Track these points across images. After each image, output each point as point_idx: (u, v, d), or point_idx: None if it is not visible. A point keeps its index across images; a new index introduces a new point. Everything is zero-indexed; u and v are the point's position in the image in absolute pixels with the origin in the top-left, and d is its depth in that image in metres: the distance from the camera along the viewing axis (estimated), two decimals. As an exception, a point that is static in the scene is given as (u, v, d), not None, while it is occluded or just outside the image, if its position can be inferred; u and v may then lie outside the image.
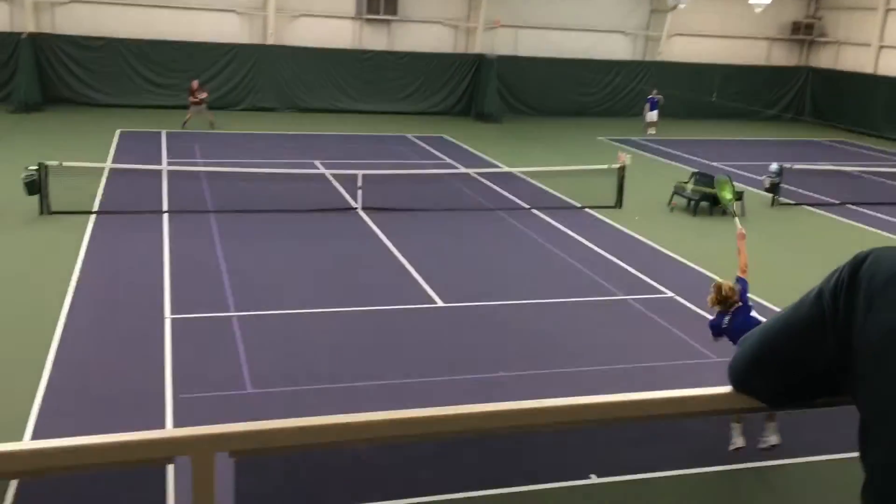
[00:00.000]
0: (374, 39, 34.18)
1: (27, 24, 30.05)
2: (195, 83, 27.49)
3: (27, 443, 1.31)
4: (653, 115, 32.53)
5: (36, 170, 16.78)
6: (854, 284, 1.51)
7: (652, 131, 32.28)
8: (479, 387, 10.29)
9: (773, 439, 8.26)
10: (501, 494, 7.57)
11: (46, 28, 30.67)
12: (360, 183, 18.72)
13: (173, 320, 11.82)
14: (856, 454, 1.50)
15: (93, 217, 16.81)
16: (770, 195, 21.57)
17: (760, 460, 8.51)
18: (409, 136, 29.28)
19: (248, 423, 1.39)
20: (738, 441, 8.20)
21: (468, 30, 35.19)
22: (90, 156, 21.72)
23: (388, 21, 33.89)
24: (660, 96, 32.72)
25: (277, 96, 32.93)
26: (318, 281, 13.90)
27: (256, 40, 32.77)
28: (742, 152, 29.82)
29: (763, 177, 22.11)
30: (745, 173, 25.48)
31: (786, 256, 17.14)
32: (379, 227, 17.28)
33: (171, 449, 1.37)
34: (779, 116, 39.23)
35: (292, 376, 10.28)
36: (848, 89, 37.16)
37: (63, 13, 30.86)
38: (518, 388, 10.26)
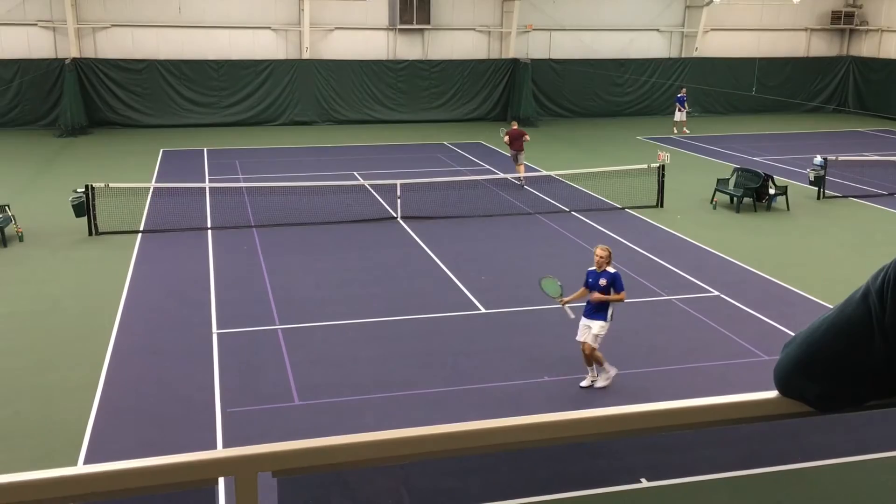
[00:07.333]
0: (409, 49, 34.34)
1: (70, 50, 30.77)
2: (514, 126, 23.22)
3: (76, 468, 1.33)
4: (682, 115, 32.22)
5: (83, 192, 17.13)
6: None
7: (686, 130, 31.98)
8: (523, 392, 10.24)
9: (597, 381, 10.31)
10: (552, 500, 7.52)
11: (89, 53, 31.37)
12: (399, 192, 18.81)
13: (220, 335, 11.97)
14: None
15: (139, 236, 17.12)
16: (815, 188, 21.19)
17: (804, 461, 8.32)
18: (447, 143, 29.33)
19: (290, 442, 1.39)
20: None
21: (501, 35, 35.17)
22: (135, 176, 22.17)
23: (421, 30, 34.03)
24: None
25: (315, 110, 33.25)
26: (360, 291, 13.96)
27: (293, 55, 33.15)
28: (784, 146, 29.33)
29: (807, 170, 21.75)
30: (789, 167, 25.06)
31: (835, 250, 16.80)
32: (419, 235, 17.32)
33: (214, 470, 1.38)
34: (821, 108, 38.52)
35: (338, 387, 10.34)
36: (892, 77, 36.35)
37: (104, 37, 31.53)
38: (563, 393, 10.19)
